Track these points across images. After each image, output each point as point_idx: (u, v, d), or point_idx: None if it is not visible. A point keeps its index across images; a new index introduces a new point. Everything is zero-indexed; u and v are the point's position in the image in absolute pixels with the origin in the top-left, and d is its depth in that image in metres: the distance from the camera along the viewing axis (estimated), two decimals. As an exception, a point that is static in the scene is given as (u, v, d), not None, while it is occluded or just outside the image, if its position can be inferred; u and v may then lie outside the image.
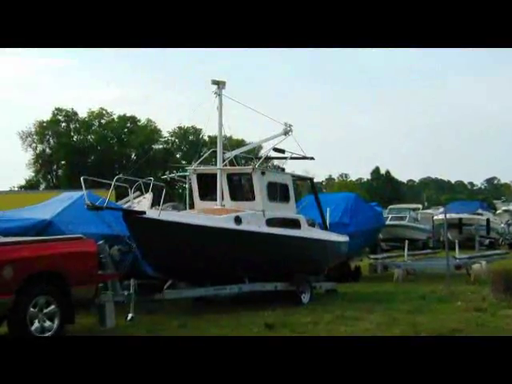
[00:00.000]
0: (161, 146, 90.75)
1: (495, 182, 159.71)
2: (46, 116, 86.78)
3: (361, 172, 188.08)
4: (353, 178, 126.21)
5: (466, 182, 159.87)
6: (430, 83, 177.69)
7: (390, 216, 35.69)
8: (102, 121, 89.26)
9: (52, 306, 11.94)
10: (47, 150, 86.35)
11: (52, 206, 16.45)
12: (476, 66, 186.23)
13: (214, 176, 17.70)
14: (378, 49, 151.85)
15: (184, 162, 71.67)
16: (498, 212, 53.77)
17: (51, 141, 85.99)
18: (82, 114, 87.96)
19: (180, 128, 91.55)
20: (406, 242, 27.33)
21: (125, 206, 15.97)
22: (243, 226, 16.55)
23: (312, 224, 19.69)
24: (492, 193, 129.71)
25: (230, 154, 18.36)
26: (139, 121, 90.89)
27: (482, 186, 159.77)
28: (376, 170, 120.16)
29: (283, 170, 20.60)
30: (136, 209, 15.09)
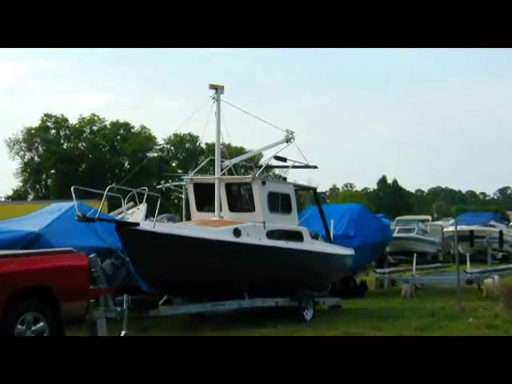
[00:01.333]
0: (156, 154, 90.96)
1: (508, 191, 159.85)
2: (35, 122, 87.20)
3: (367, 181, 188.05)
4: (358, 187, 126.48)
5: (477, 191, 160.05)
6: (439, 87, 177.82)
7: (398, 228, 35.76)
8: (94, 127, 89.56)
9: (41, 323, 11.92)
10: (36, 159, 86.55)
11: (41, 217, 16.46)
12: (489, 69, 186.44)
13: (211, 186, 17.73)
14: (384, 52, 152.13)
15: (180, 171, 71.84)
16: (511, 224, 53.79)
17: (40, 148, 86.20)
18: (73, 120, 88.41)
19: (176, 135, 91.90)
20: (415, 255, 27.38)
21: (118, 218, 15.99)
22: (242, 239, 16.55)
23: (315, 236, 19.69)
24: (505, 203, 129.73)
25: (229, 163, 18.39)
26: (133, 127, 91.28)
27: (495, 196, 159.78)
28: (383, 180, 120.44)
29: (285, 179, 20.65)
30: (129, 220, 15.10)
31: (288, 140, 19.42)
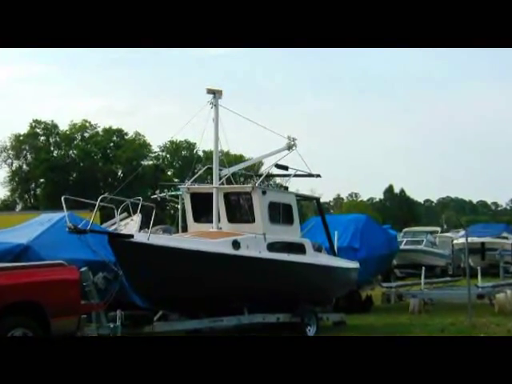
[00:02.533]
0: (150, 162, 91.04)
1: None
2: (23, 129, 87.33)
3: (372, 191, 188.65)
4: (364, 197, 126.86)
5: (489, 201, 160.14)
6: (449, 93, 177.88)
7: (405, 240, 35.80)
8: (86, 134, 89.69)
9: (29, 340, 11.94)
10: (24, 167, 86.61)
11: (30, 228, 16.44)
12: (502, 73, 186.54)
13: (209, 195, 17.73)
14: (389, 54, 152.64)
15: (176, 180, 71.90)
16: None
17: (29, 156, 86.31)
18: (63, 126, 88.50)
19: (172, 142, 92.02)
20: (423, 268, 27.35)
21: (111, 229, 15.99)
22: (242, 251, 16.55)
23: (318, 249, 19.69)
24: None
25: (228, 171, 18.40)
26: (126, 134, 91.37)
27: (508, 207, 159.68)
28: (389, 189, 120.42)
29: (286, 188, 20.65)
30: (123, 232, 15.11)
31: (289, 147, 19.43)
